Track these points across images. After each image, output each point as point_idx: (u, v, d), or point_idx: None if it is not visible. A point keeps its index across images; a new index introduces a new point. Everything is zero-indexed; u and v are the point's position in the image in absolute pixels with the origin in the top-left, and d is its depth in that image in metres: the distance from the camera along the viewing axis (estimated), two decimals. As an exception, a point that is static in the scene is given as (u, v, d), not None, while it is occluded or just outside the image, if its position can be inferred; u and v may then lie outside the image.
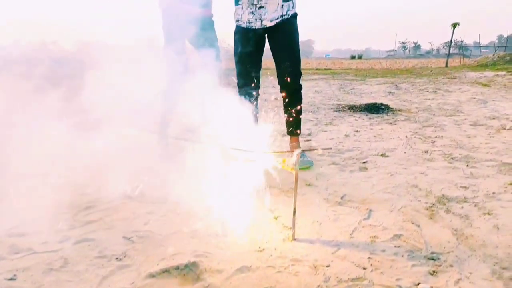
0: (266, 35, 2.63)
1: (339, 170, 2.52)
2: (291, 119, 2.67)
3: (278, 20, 2.55)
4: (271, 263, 1.37)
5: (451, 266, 1.39)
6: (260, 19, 2.55)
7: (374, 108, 5.21)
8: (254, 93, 2.59)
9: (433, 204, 1.95)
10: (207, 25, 3.01)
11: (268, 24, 2.55)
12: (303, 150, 1.58)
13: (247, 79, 2.64)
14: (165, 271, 1.31)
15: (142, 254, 1.44)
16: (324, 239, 1.57)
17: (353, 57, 59.92)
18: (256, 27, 2.57)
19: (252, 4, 2.53)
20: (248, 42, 2.61)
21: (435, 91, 7.49)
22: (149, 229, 1.64)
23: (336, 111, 5.25)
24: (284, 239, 1.57)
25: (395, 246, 1.52)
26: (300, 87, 2.68)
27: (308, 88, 8.65)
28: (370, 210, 1.87)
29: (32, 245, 1.48)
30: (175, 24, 2.83)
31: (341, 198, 2.03)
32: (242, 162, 1.63)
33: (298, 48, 2.63)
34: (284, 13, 2.55)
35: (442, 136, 3.53)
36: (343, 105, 5.73)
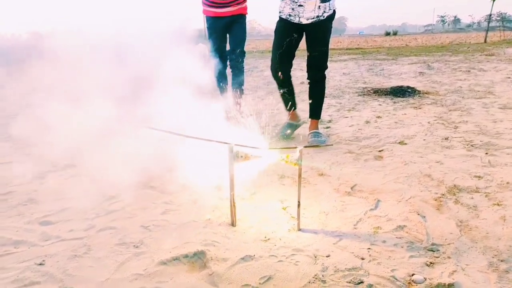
0: (302, 29, 2.95)
1: (354, 159, 2.56)
2: (312, 104, 3.09)
3: (314, 20, 2.87)
4: (274, 253, 1.47)
5: (449, 257, 1.44)
6: (298, 15, 2.89)
7: (400, 92, 5.13)
8: (281, 76, 3.02)
9: (443, 194, 1.97)
10: (242, 21, 3.78)
11: (304, 21, 2.88)
12: (305, 147, 1.65)
13: (277, 64, 3.03)
14: (176, 258, 1.43)
15: (157, 242, 1.57)
16: (328, 229, 1.65)
17: (387, 34, 57.84)
18: (295, 21, 2.91)
19: (293, 1, 2.86)
20: (286, 31, 2.97)
21: (469, 71, 7.24)
22: (165, 218, 1.77)
23: (361, 95, 5.21)
24: (290, 229, 1.65)
25: (396, 237, 1.58)
26: (323, 78, 3.04)
27: (336, 70, 8.56)
28: (378, 201, 1.92)
29: (61, 233, 1.65)
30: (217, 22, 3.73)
31: (351, 188, 2.09)
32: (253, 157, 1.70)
33: (328, 46, 2.96)
34: (320, 14, 2.86)
35: (466, 121, 3.47)
36: (369, 89, 5.67)
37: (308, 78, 3.07)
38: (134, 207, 1.90)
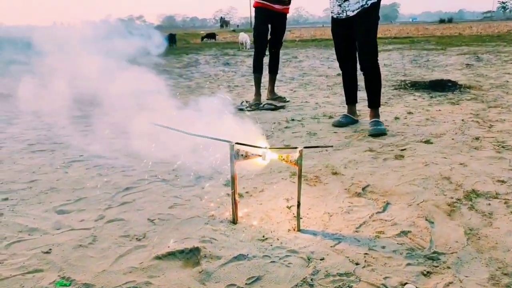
0: (351, 22, 3.10)
1: (372, 157, 2.49)
2: (369, 93, 3.19)
3: (359, 10, 3.03)
4: (268, 253, 1.48)
5: (449, 268, 1.38)
6: (345, 10, 3.08)
7: (439, 86, 4.91)
8: (347, 66, 3.33)
9: (459, 199, 1.88)
10: (284, 19, 4.39)
11: (351, 14, 3.07)
12: (305, 147, 1.63)
13: (340, 57, 3.34)
14: (171, 254, 1.47)
15: (159, 236, 1.62)
16: (329, 231, 1.63)
17: (442, 21, 55.01)
18: (344, 17, 3.12)
19: None
20: (339, 30, 3.23)
21: (520, 63, 6.78)
22: (171, 212, 1.82)
23: (397, 89, 5.04)
24: (290, 229, 1.65)
25: (397, 243, 1.53)
26: (376, 65, 3.13)
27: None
28: (388, 203, 1.87)
29: (72, 223, 1.74)
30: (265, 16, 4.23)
31: (363, 189, 2.04)
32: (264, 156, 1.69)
33: (375, 33, 3.09)
34: (364, 3, 3.01)
35: (504, 120, 3.27)
36: (407, 82, 5.47)
37: (361, 69, 3.16)
38: (144, 200, 1.97)
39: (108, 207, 1.89)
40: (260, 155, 1.62)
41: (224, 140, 1.61)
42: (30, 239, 1.60)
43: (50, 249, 1.51)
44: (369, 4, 3.00)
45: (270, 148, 1.62)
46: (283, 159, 1.60)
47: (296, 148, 1.56)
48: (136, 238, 1.61)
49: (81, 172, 2.36)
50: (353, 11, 3.04)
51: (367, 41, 3.05)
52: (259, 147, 1.61)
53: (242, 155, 1.61)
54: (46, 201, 1.97)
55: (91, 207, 1.90)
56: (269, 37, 4.39)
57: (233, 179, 1.64)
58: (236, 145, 1.59)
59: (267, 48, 4.46)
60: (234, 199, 1.67)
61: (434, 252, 1.47)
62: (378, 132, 2.96)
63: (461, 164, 2.33)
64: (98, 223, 1.74)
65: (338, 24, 3.20)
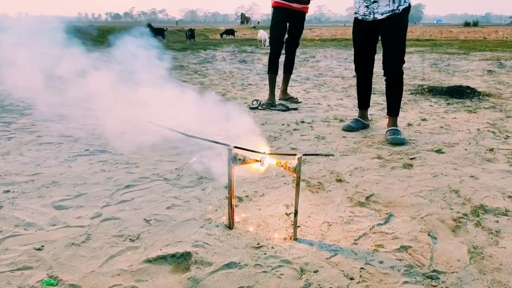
0: (378, 25, 2.97)
1: (380, 165, 2.42)
2: (390, 101, 3.09)
3: (389, 14, 2.88)
4: (260, 262, 1.44)
5: (447, 288, 1.32)
6: (373, 12, 2.92)
7: (457, 92, 4.78)
8: (365, 69, 3.23)
9: (465, 214, 1.81)
10: (302, 19, 4.30)
11: (379, 17, 2.91)
12: (304, 154, 1.58)
13: (358, 60, 3.19)
14: (162, 257, 1.45)
15: (152, 237, 1.60)
16: (326, 242, 1.58)
17: (467, 24, 53.82)
18: (370, 19, 2.96)
19: None
20: (362, 32, 3.08)
21: (545, 72, 6.55)
22: (168, 213, 1.80)
23: (413, 94, 4.93)
24: (286, 238, 1.61)
25: (396, 259, 1.47)
26: (400, 73, 3.00)
27: (396, 64, 8.13)
28: (390, 215, 1.81)
29: (68, 219, 1.73)
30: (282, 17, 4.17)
31: (367, 198, 1.98)
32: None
33: (404, 40, 2.94)
34: (395, 7, 2.86)
35: (522, 131, 3.15)
36: (425, 87, 5.34)
37: (384, 74, 3.05)
38: (143, 199, 1.95)
39: (106, 205, 1.88)
40: (258, 160, 1.58)
41: (222, 144, 1.57)
42: (24, 234, 1.59)
43: (42, 246, 1.51)
44: (400, 10, 2.86)
45: (268, 154, 1.57)
46: (281, 165, 1.56)
47: (295, 155, 1.51)
48: (130, 239, 1.59)
49: (84, 167, 2.36)
50: (382, 15, 2.89)
51: (396, 49, 2.92)
52: (258, 152, 1.57)
53: (240, 159, 1.57)
54: (46, 195, 1.97)
55: (89, 203, 1.89)
56: (286, 36, 4.33)
57: (230, 183, 1.60)
58: (234, 149, 1.55)
59: (283, 48, 4.39)
60: (231, 204, 1.63)
61: (434, 271, 1.40)
62: (398, 142, 2.86)
63: (471, 176, 2.24)
64: (94, 221, 1.72)
65: (362, 26, 3.05)
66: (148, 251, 1.50)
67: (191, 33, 17.80)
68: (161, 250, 1.50)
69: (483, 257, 1.49)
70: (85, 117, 3.50)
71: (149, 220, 1.74)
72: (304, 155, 1.56)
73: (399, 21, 2.88)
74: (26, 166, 2.35)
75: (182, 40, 18.44)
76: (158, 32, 17.02)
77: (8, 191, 2.00)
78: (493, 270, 1.41)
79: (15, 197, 1.94)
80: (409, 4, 2.90)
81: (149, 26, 17.51)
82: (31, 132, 3.09)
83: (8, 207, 1.83)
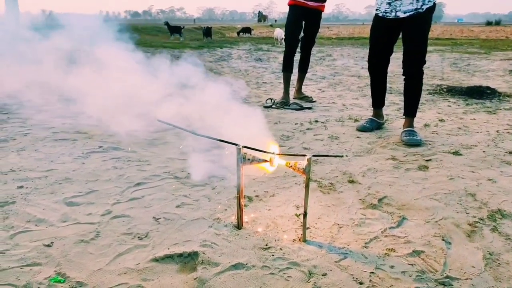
0: (399, 24, 2.88)
1: (394, 167, 2.37)
2: (407, 101, 3.02)
3: (412, 13, 2.79)
4: (268, 263, 1.42)
5: (461, 296, 1.28)
6: (395, 10, 2.83)
7: (477, 92, 4.66)
8: (380, 68, 3.16)
9: (481, 219, 1.75)
10: (318, 17, 4.25)
11: (401, 15, 2.82)
12: (314, 155, 1.55)
13: (374, 58, 3.12)
14: (169, 256, 1.44)
15: (161, 236, 1.59)
16: (336, 244, 1.55)
17: (489, 23, 52.53)
18: (391, 17, 2.87)
19: None
20: (381, 30, 3.00)
21: None
22: (177, 212, 1.79)
23: (431, 94, 4.83)
24: (295, 239, 1.58)
25: (408, 263, 1.44)
26: (420, 74, 2.93)
27: (414, 63, 7.98)
28: (404, 218, 1.77)
29: (79, 216, 1.74)
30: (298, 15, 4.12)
31: (379, 200, 1.94)
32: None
33: (426, 41, 2.84)
34: (419, 6, 2.76)
35: (543, 133, 3.05)
36: (444, 87, 5.23)
37: (403, 74, 2.99)
38: (153, 197, 1.95)
39: (117, 202, 1.89)
40: (267, 160, 1.56)
41: (231, 143, 1.56)
42: (35, 230, 1.61)
43: (52, 242, 1.52)
44: (424, 9, 2.76)
45: (278, 154, 1.55)
46: (291, 166, 1.53)
47: (304, 156, 1.48)
48: (138, 237, 1.59)
49: (97, 164, 2.38)
50: (404, 13, 2.79)
51: (417, 50, 2.82)
52: (267, 152, 1.55)
53: (249, 159, 1.55)
54: (59, 192, 1.98)
55: (100, 200, 1.90)
56: (301, 34, 4.31)
57: (239, 183, 1.58)
58: (243, 148, 1.53)
59: (298, 47, 4.37)
60: (240, 204, 1.61)
61: (447, 277, 1.36)
62: (413, 143, 2.79)
63: (489, 180, 2.18)
64: (104, 218, 1.73)
65: (382, 23, 2.96)
66: (156, 249, 1.49)
67: (207, 31, 17.84)
68: (168, 249, 1.50)
69: (499, 264, 1.44)
70: (100, 113, 3.53)
71: (158, 219, 1.74)
72: (313, 156, 1.53)
73: (422, 20, 2.79)
74: (40, 162, 2.38)
75: (199, 38, 18.50)
76: (175, 30, 17.24)
77: (21, 187, 2.02)
78: (510, 277, 1.36)
79: (28, 193, 1.96)
80: (434, 3, 2.80)
81: (167, 24, 17.83)
82: (47, 128, 3.13)
83: (21, 203, 1.85)
